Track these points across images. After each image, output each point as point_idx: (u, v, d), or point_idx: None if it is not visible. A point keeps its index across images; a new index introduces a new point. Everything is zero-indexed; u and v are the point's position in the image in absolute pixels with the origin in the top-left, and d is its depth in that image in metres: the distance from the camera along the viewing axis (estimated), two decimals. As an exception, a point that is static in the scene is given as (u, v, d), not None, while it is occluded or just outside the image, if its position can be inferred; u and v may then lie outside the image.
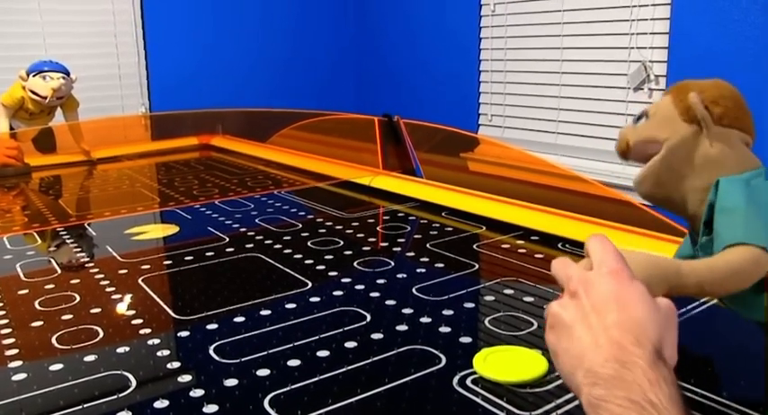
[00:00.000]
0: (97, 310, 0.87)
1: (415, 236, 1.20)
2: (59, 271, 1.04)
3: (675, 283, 0.55)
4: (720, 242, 0.61)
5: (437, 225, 1.25)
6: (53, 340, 0.78)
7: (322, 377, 0.67)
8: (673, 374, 0.40)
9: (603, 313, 0.43)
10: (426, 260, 1.04)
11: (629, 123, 0.75)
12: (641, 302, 0.44)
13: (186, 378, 0.68)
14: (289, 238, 1.18)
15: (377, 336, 0.76)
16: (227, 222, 1.31)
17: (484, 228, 1.21)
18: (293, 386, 0.65)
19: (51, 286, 0.97)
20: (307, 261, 1.05)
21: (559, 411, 0.59)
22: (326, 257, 1.07)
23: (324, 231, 1.22)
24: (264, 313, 0.84)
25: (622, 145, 0.74)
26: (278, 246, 1.13)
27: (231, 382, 0.66)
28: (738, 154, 0.67)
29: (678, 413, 0.38)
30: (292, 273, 0.99)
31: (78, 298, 0.91)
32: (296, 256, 1.08)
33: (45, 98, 2.07)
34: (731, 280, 0.59)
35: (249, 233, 1.22)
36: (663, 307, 0.45)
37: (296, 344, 0.74)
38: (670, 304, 0.46)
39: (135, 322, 0.83)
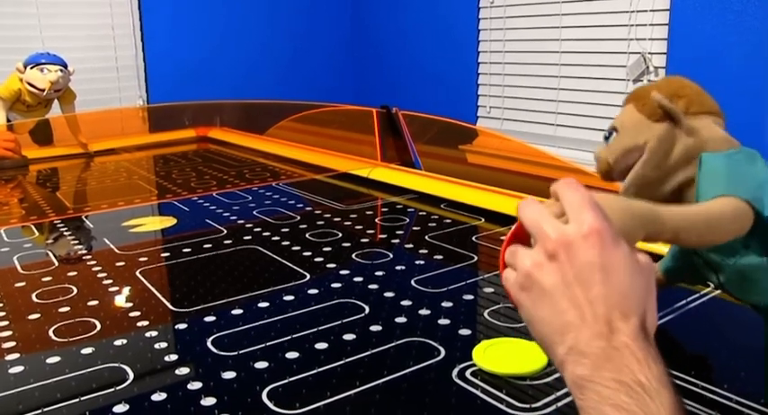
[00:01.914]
0: (94, 302, 0.87)
1: (414, 228, 1.20)
2: (57, 264, 1.04)
3: (652, 230, 0.53)
4: (702, 196, 0.60)
5: (436, 216, 1.24)
6: (50, 333, 0.77)
7: (320, 370, 0.66)
8: (657, 349, 0.40)
9: (588, 285, 0.41)
10: (425, 251, 1.04)
11: (601, 144, 0.74)
12: (625, 268, 0.42)
13: (184, 371, 0.68)
14: (287, 230, 1.18)
15: (375, 328, 0.76)
16: (224, 214, 1.31)
17: (483, 220, 1.21)
18: (291, 379, 0.65)
19: (48, 278, 0.96)
20: (305, 253, 1.04)
21: (559, 404, 0.59)
22: (325, 249, 1.06)
23: (322, 223, 1.22)
24: (262, 305, 0.84)
25: (603, 166, 0.73)
26: (276, 238, 1.13)
27: (229, 374, 0.66)
28: (717, 136, 0.67)
29: (667, 393, 0.37)
30: (290, 265, 0.99)
31: (75, 291, 0.91)
32: (294, 248, 1.07)
33: (42, 90, 2.06)
34: (709, 229, 0.57)
35: (247, 226, 1.21)
36: (644, 267, 0.43)
37: (294, 336, 0.74)
38: (649, 260, 0.44)
39: (132, 314, 0.82)
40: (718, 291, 0.80)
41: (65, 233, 1.22)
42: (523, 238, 0.48)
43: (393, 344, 0.72)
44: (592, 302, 0.41)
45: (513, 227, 0.49)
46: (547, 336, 0.43)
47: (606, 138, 0.72)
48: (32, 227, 1.28)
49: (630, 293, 0.41)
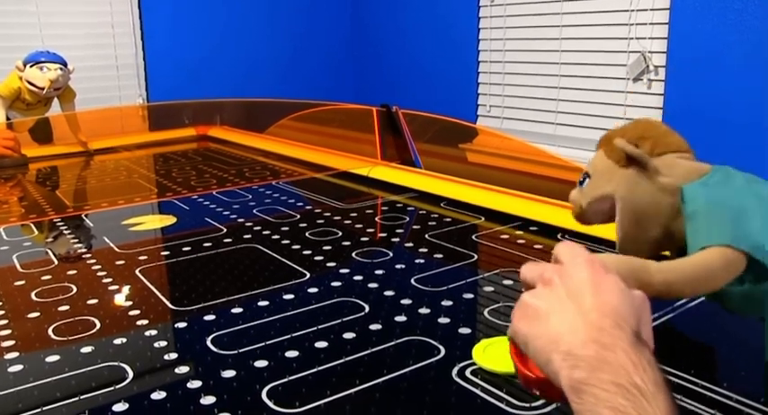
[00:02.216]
0: (94, 301, 0.87)
1: (414, 227, 1.20)
2: (56, 262, 1.04)
3: (645, 281, 0.56)
4: (690, 249, 0.62)
5: (436, 215, 1.24)
6: (50, 332, 0.77)
7: (320, 368, 0.66)
8: (653, 357, 0.40)
9: (580, 298, 0.42)
10: (425, 250, 1.04)
11: (576, 187, 0.75)
12: (617, 289, 0.43)
13: (183, 369, 0.67)
14: (287, 229, 1.18)
15: (375, 327, 0.76)
16: (224, 213, 1.31)
17: (483, 219, 1.21)
18: (291, 377, 0.65)
19: (48, 277, 0.96)
20: (305, 252, 1.04)
21: (558, 403, 0.59)
22: (325, 248, 1.06)
23: (322, 221, 1.22)
24: (262, 303, 0.84)
25: (577, 210, 0.76)
26: (276, 237, 1.13)
27: (229, 373, 0.66)
28: (687, 169, 0.68)
29: (663, 397, 0.37)
30: (290, 264, 0.99)
31: (75, 289, 0.91)
32: (294, 247, 1.07)
33: (42, 89, 2.06)
34: (701, 282, 0.60)
35: (247, 224, 1.21)
36: (637, 297, 0.44)
37: (294, 335, 0.74)
38: (643, 295, 0.45)
39: (132, 313, 0.82)
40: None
41: (64, 232, 1.22)
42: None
43: (393, 343, 0.72)
44: (585, 312, 0.42)
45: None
46: (542, 348, 0.43)
47: (581, 183, 0.74)
48: (32, 226, 1.27)
49: (623, 309, 0.42)
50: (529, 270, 0.49)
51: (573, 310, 0.42)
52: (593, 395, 0.38)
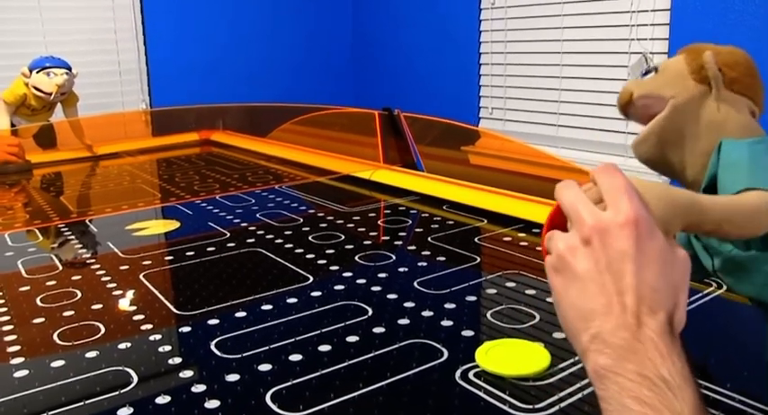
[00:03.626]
0: (98, 306, 0.87)
1: (417, 230, 1.20)
2: (61, 268, 1.04)
3: (695, 219, 0.52)
4: (726, 190, 0.59)
5: (438, 218, 1.24)
6: (55, 337, 0.78)
7: (324, 372, 0.67)
8: (681, 345, 0.39)
9: (619, 274, 0.41)
10: (428, 253, 1.04)
11: (635, 78, 0.72)
12: (658, 262, 0.41)
13: (188, 374, 0.68)
14: (290, 233, 1.18)
15: (378, 330, 0.76)
16: (227, 217, 1.31)
17: (485, 221, 1.21)
18: (295, 381, 0.65)
19: (53, 282, 0.97)
20: (308, 256, 1.04)
21: (562, 404, 0.59)
22: (328, 251, 1.07)
23: (325, 225, 1.22)
24: (266, 307, 0.84)
25: (625, 97, 0.70)
26: (279, 241, 1.13)
27: (233, 377, 0.66)
28: (744, 120, 0.65)
29: (691, 391, 0.37)
30: (293, 268, 0.99)
31: (80, 294, 0.91)
32: (297, 251, 1.07)
33: (50, 94, 2.07)
34: (749, 221, 0.56)
35: (250, 228, 1.22)
36: (679, 261, 0.42)
37: (297, 339, 0.74)
38: (685, 255, 0.43)
39: (136, 317, 0.83)
40: (721, 290, 0.80)
41: (69, 238, 1.22)
42: (561, 221, 0.47)
43: (396, 346, 0.72)
44: (621, 292, 0.40)
45: (552, 210, 0.49)
46: (572, 321, 0.42)
47: (644, 74, 0.70)
48: (36, 231, 1.28)
49: (661, 287, 0.41)
50: (568, 199, 0.45)
51: (610, 287, 0.41)
52: (617, 384, 0.37)
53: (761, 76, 0.68)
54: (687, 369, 0.38)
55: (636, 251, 0.41)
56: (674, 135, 0.66)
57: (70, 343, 0.76)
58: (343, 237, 1.14)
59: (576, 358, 0.64)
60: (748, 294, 0.66)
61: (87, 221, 1.36)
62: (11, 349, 0.74)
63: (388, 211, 1.35)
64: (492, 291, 0.88)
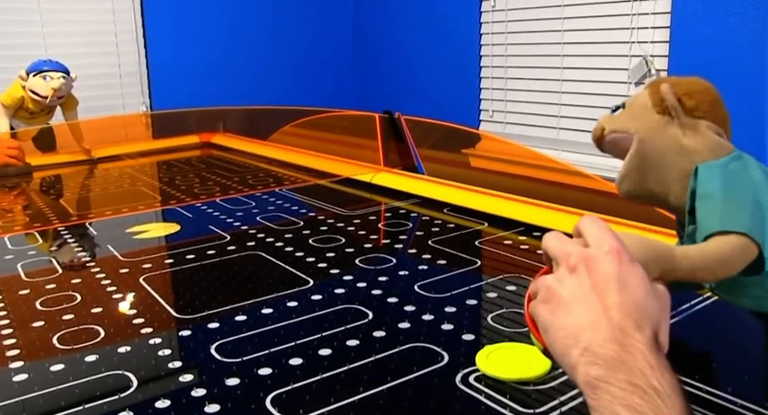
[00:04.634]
0: (98, 309, 0.87)
1: (417, 233, 1.20)
2: (60, 271, 1.04)
3: (669, 267, 0.55)
4: (700, 230, 0.61)
5: (439, 221, 1.24)
6: (54, 340, 0.77)
7: (324, 376, 0.66)
8: (668, 362, 0.40)
9: (605, 294, 0.42)
10: (428, 256, 1.04)
11: (608, 113, 0.75)
12: (642, 286, 0.43)
13: (188, 378, 0.68)
14: (290, 236, 1.18)
15: (379, 334, 0.76)
16: (228, 220, 1.31)
17: (486, 224, 1.21)
18: (295, 385, 0.65)
19: (52, 285, 0.97)
20: (308, 259, 1.04)
21: (563, 409, 0.59)
22: (328, 254, 1.06)
23: (325, 228, 1.22)
24: (266, 311, 0.84)
25: (597, 133, 0.74)
26: (279, 244, 1.13)
27: (233, 381, 0.66)
28: (711, 142, 0.67)
29: (680, 400, 0.38)
30: (294, 271, 0.99)
31: (79, 298, 0.91)
32: (297, 254, 1.07)
33: (46, 98, 2.07)
34: (721, 267, 0.58)
35: (250, 232, 1.22)
36: (660, 293, 0.45)
37: (298, 343, 0.74)
38: (665, 290, 0.46)
39: (136, 321, 0.82)
40: (722, 294, 0.79)
41: (68, 241, 1.22)
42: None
43: (397, 350, 0.72)
44: (608, 308, 0.42)
45: (539, 273, 0.51)
46: (561, 341, 0.43)
47: (613, 110, 0.73)
48: (36, 234, 1.28)
49: (646, 308, 0.42)
50: (553, 244, 0.48)
51: (596, 305, 0.42)
52: (608, 393, 0.38)
53: (723, 102, 0.70)
54: (676, 381, 0.39)
55: (619, 274, 0.43)
56: (650, 167, 0.69)
57: (70, 347, 0.76)
58: (343, 240, 1.14)
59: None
60: (746, 307, 0.66)
61: (87, 224, 1.36)
62: (10, 353, 0.74)
63: (389, 214, 1.35)
64: (493, 294, 0.88)
